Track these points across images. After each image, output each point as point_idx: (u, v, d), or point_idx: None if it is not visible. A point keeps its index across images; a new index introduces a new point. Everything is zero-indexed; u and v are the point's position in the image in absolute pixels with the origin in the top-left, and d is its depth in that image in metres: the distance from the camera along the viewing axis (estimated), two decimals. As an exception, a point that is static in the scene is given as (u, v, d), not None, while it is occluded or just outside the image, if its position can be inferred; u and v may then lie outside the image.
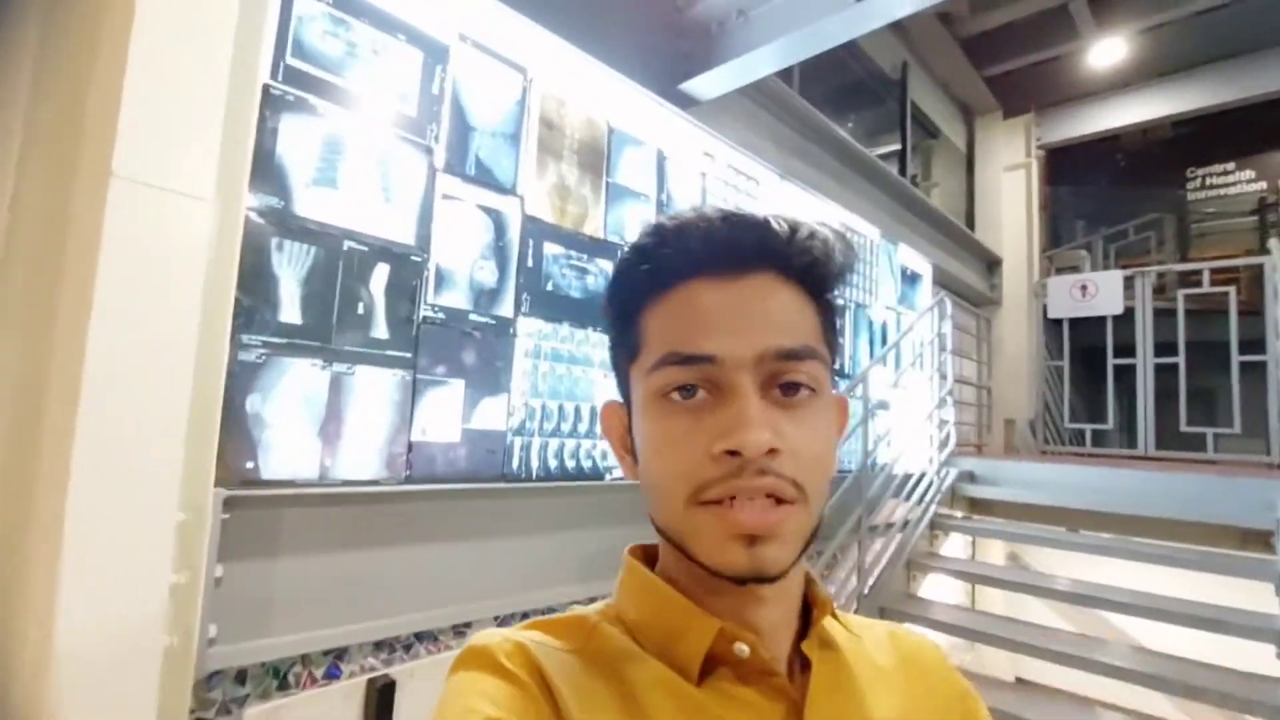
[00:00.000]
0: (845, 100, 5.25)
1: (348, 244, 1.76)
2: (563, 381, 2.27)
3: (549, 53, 2.30)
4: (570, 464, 2.29)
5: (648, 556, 0.49)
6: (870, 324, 4.27)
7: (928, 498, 4.11)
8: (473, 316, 2.04)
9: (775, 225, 0.44)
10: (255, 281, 1.59)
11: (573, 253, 2.33)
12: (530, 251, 2.20)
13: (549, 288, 2.25)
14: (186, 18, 1.44)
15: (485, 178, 2.09)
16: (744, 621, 0.43)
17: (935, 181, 6.44)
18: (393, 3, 1.88)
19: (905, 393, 4.45)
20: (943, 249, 5.53)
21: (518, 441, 2.14)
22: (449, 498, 1.95)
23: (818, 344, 0.45)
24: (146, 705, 1.36)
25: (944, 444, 4.73)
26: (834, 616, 0.48)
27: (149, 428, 1.34)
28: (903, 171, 5.29)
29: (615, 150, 2.52)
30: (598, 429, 2.34)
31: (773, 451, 0.40)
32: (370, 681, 1.72)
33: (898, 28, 5.28)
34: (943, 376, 4.81)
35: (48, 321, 1.31)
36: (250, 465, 1.57)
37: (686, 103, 2.87)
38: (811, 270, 0.44)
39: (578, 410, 2.32)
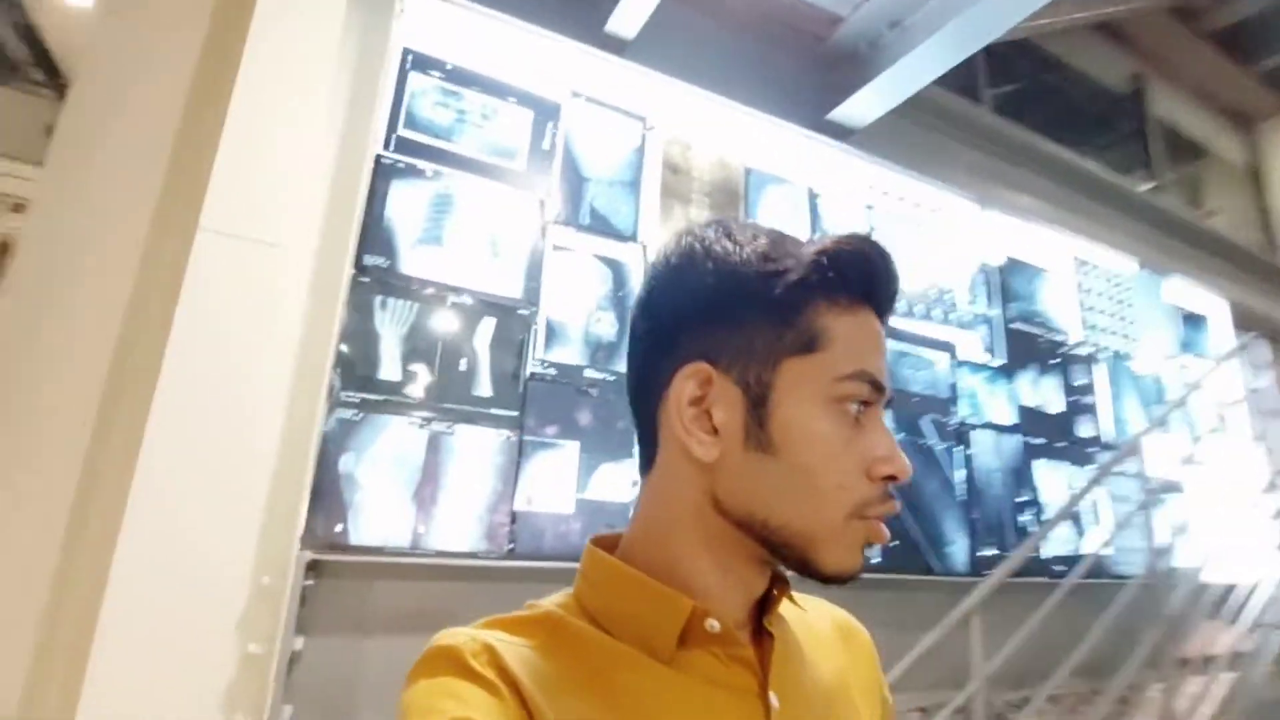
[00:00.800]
0: (1066, 128, 4.43)
1: (451, 299, 1.70)
2: (698, 446, 1.94)
3: (672, 98, 2.18)
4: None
5: (607, 547, 0.50)
6: (1136, 379, 3.25)
7: (1270, 619, 2.84)
8: (589, 372, 1.84)
9: (894, 276, 0.48)
10: (356, 337, 1.58)
11: (705, 300, 2.06)
12: (654, 301, 1.98)
13: (677, 339, 1.99)
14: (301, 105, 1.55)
15: (601, 227, 1.96)
16: (725, 602, 0.45)
17: (1213, 209, 5.07)
18: (504, 70, 1.92)
19: (1203, 470, 3.25)
20: (1240, 283, 4.20)
21: (643, 516, 1.83)
22: (557, 579, 1.68)
23: None
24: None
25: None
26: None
27: (225, 481, 1.31)
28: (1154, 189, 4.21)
29: (754, 190, 2.27)
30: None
31: None
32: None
33: (1121, 36, 4.43)
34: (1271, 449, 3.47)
35: (136, 356, 1.36)
36: (340, 529, 1.48)
37: (840, 133, 2.54)
38: (887, 315, 0.49)
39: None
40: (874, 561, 2.21)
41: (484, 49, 1.91)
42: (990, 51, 3.23)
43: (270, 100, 1.50)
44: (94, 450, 1.35)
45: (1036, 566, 2.58)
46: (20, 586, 1.25)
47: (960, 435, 2.52)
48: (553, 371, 1.80)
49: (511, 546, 1.64)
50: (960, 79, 3.51)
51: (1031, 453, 2.72)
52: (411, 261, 1.68)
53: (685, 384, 0.46)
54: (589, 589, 0.47)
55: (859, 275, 0.46)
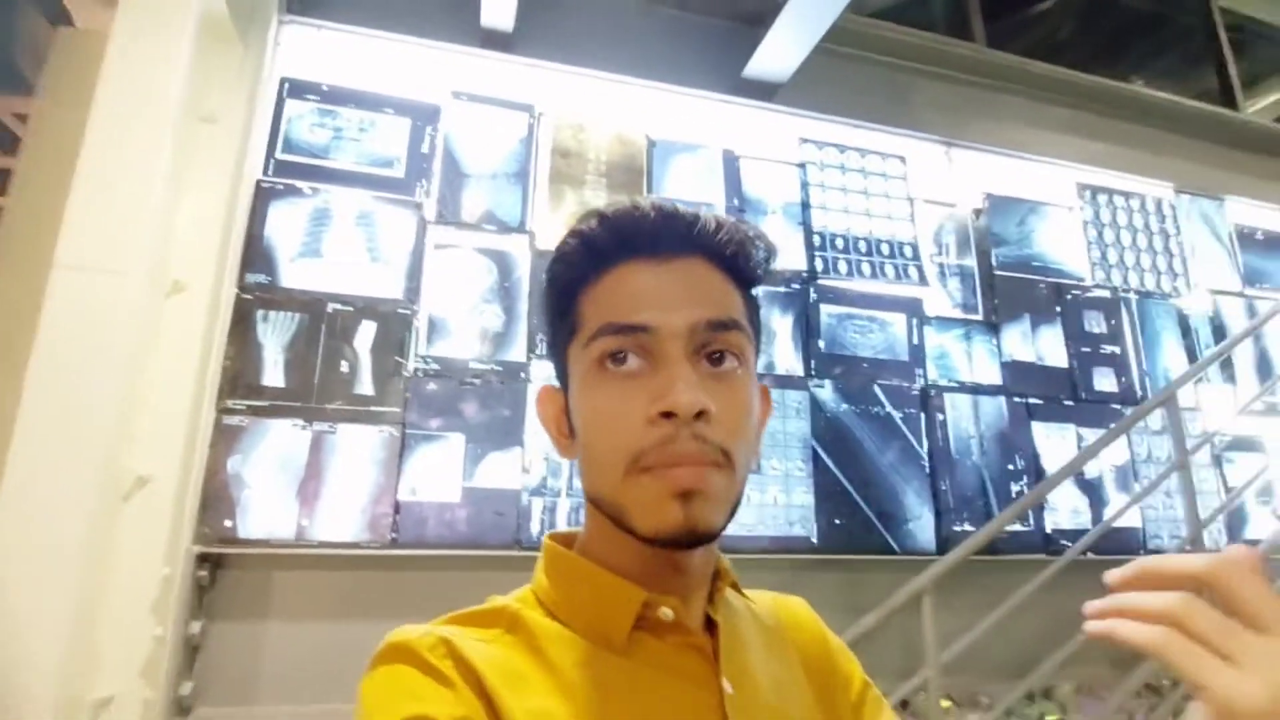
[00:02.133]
0: (1122, 47, 3.86)
1: (331, 306, 1.82)
2: (597, 430, 1.93)
3: (561, 84, 2.17)
4: (614, 529, 1.88)
5: (564, 542, 0.51)
6: (1183, 318, 2.81)
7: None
8: (474, 364, 1.89)
9: (703, 216, 0.47)
10: (241, 350, 1.73)
11: (604, 283, 2.04)
12: (546, 288, 1.99)
13: (572, 325, 1.99)
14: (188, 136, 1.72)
15: (485, 221, 2.00)
16: (667, 590, 0.45)
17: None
18: (382, 83, 2.01)
19: None
20: None
21: (537, 503, 1.85)
22: (445, 566, 1.76)
23: (742, 318, 0.47)
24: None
25: None
26: (733, 586, 0.53)
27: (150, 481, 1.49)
28: (1230, 103, 3.57)
29: (658, 163, 2.21)
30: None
31: (703, 414, 0.41)
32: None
33: None
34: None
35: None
36: (229, 524, 1.64)
37: (763, 91, 2.40)
38: (736, 258, 0.48)
39: (622, 463, 1.93)
40: (814, 541, 2.08)
41: (360, 66, 2.01)
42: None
43: (135, 139, 1.67)
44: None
45: (1031, 542, 2.32)
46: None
47: (924, 400, 2.31)
48: (436, 366, 1.86)
49: (394, 536, 1.73)
50: (950, 13, 3.20)
51: (1029, 414, 2.44)
52: (291, 275, 1.81)
53: (540, 406, 0.52)
54: (546, 582, 0.49)
55: (603, 242, 0.47)
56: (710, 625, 0.48)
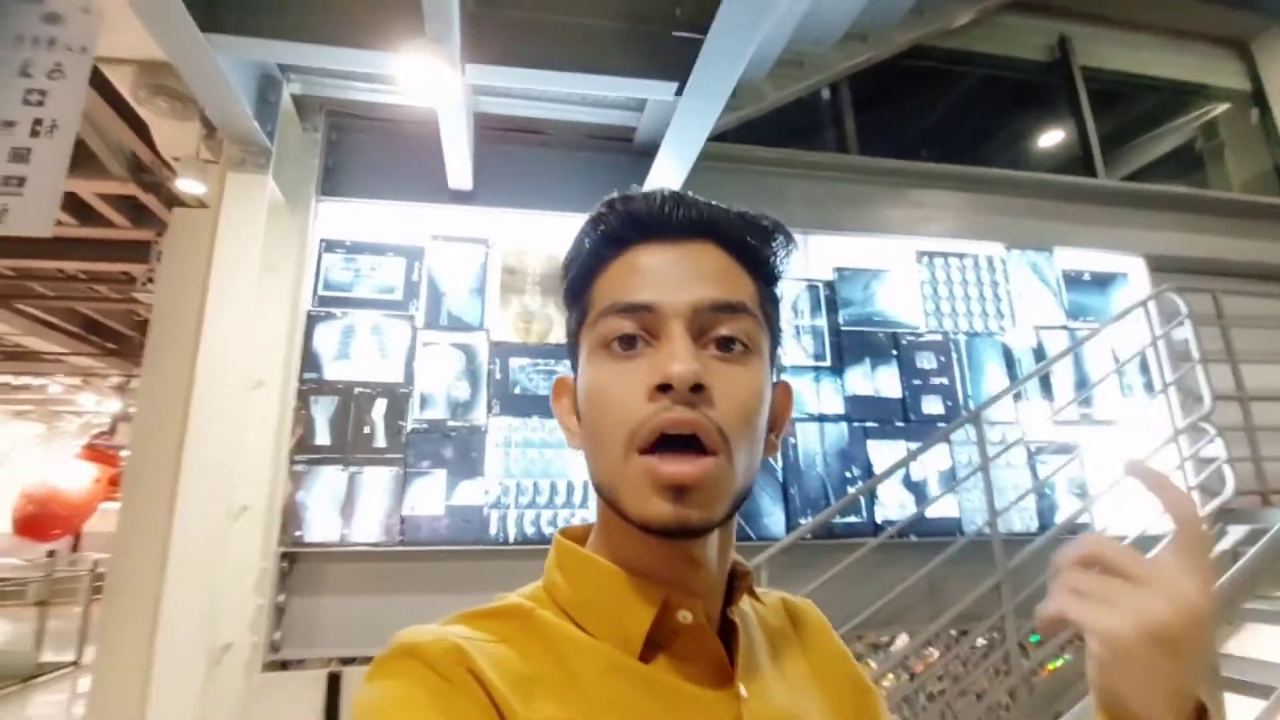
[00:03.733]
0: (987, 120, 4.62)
1: (356, 389, 2.81)
2: (535, 463, 2.88)
3: (508, 220, 3.14)
4: (547, 530, 2.82)
5: (577, 539, 0.50)
6: (1007, 351, 3.60)
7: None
8: (450, 423, 2.86)
9: (716, 205, 0.47)
10: (302, 421, 2.73)
11: (539, 360, 2.99)
12: (498, 368, 2.95)
13: (516, 391, 2.95)
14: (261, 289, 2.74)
15: (456, 324, 2.98)
16: (684, 587, 0.44)
17: (1227, 161, 4.88)
18: (383, 234, 3.01)
19: (1119, 428, 3.51)
20: (1159, 230, 4.18)
21: (494, 514, 2.81)
22: (434, 558, 2.72)
23: (754, 307, 0.46)
24: (236, 673, 2.43)
25: (1212, 492, 3.50)
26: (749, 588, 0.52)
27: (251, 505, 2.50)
28: (1088, 163, 4.32)
29: (577, 271, 3.16)
30: (574, 499, 2.86)
31: (700, 388, 0.41)
32: (330, 674, 2.51)
33: (1044, 10, 4.58)
34: (1196, 398, 3.62)
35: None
36: (299, 534, 2.64)
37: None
38: (751, 246, 0.48)
39: (553, 485, 2.87)
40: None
41: (370, 224, 3.02)
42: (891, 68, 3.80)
43: (235, 286, 2.69)
44: (180, 493, 2.61)
45: (864, 529, 3.15)
46: (145, 569, 2.52)
47: (780, 428, 3.18)
48: (425, 425, 2.84)
49: (401, 538, 2.70)
50: (827, 114, 4.06)
51: (865, 434, 3.29)
52: (331, 371, 2.82)
53: (554, 396, 0.52)
54: (561, 581, 0.47)
55: (615, 226, 0.47)
56: (726, 626, 0.48)
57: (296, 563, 2.67)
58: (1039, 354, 3.65)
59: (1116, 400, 3.63)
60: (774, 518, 3.09)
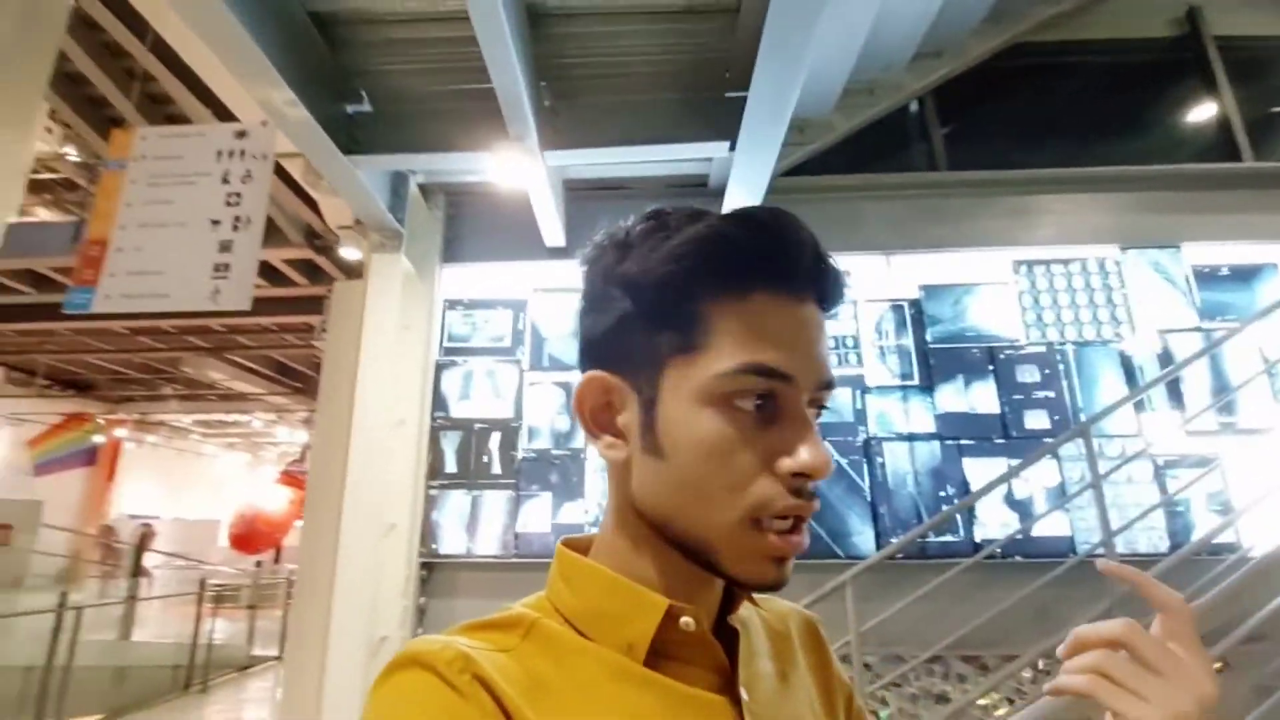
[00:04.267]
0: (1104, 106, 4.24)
1: (476, 425, 3.30)
2: (629, 485, 3.19)
3: (598, 269, 3.52)
4: (642, 546, 3.11)
5: (580, 550, 0.51)
6: (1125, 358, 3.37)
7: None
8: (554, 452, 3.26)
9: (822, 251, 0.45)
10: (434, 453, 3.26)
11: (629, 392, 3.31)
12: (594, 400, 3.31)
13: (610, 421, 3.28)
14: (400, 350, 3.32)
15: (556, 364, 3.39)
16: (689, 600, 0.45)
17: None
18: (495, 292, 3.50)
19: (1270, 436, 3.18)
20: None
21: (591, 530, 3.14)
22: (543, 569, 3.08)
23: None
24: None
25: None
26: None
27: (398, 525, 3.05)
28: (1228, 145, 3.90)
29: (662, 309, 3.46)
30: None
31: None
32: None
33: None
34: (1378, 400, 3.20)
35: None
36: (434, 547, 3.14)
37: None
38: (834, 304, 0.47)
39: (645, 505, 3.15)
40: (780, 550, 3.11)
41: (483, 283, 3.53)
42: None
43: (378, 343, 3.28)
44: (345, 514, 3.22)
45: (961, 549, 3.10)
46: (320, 578, 3.13)
47: (867, 449, 3.24)
48: (533, 455, 3.25)
49: (516, 551, 3.11)
50: (914, 130, 4.04)
51: (960, 452, 3.23)
52: (456, 410, 3.33)
53: (581, 392, 0.48)
54: (564, 589, 0.48)
55: (746, 258, 0.43)
56: (725, 630, 0.48)
57: (433, 571, 3.17)
58: (1165, 360, 3.37)
59: (1266, 406, 3.25)
60: (863, 536, 3.14)
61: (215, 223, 2.97)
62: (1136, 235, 3.60)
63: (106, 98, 3.93)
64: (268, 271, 5.52)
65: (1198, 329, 3.43)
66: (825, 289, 0.46)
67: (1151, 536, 3.13)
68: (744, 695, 0.45)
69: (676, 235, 0.44)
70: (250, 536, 9.67)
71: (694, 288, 0.44)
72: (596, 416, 0.48)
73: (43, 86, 2.56)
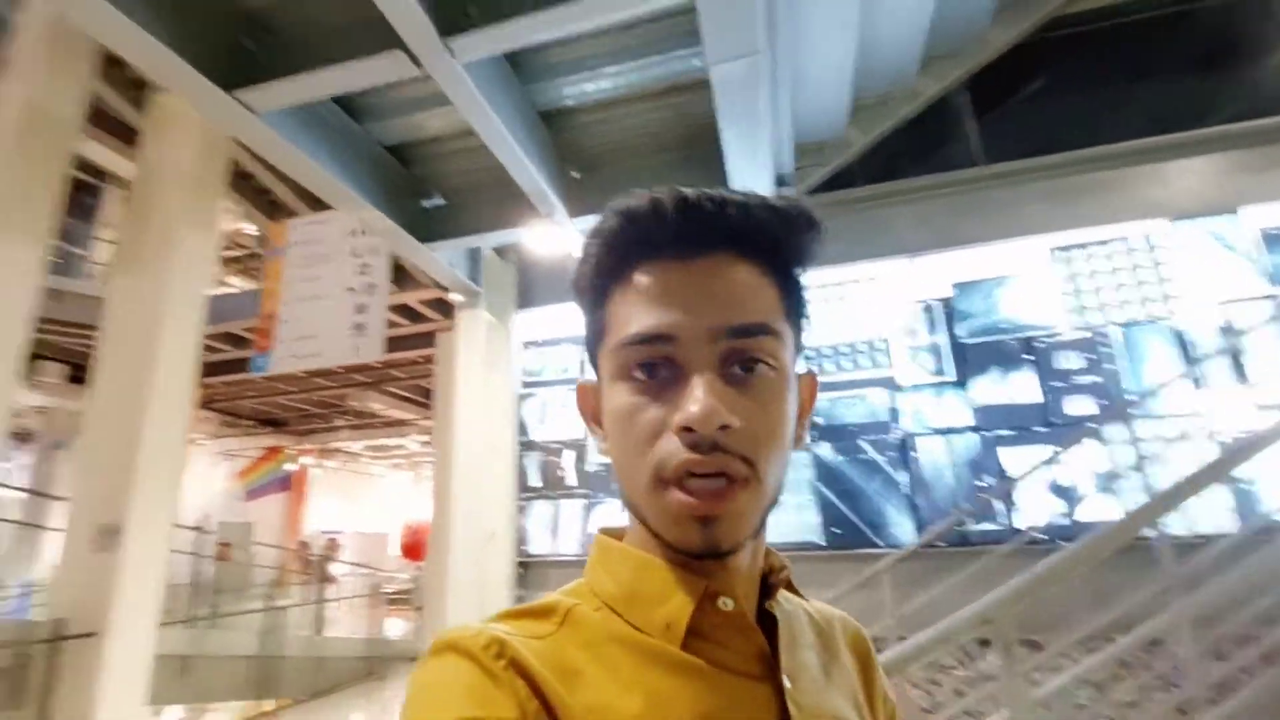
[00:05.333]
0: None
1: (553, 445, 3.91)
2: (683, 490, 3.65)
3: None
4: (697, 543, 3.55)
5: (616, 537, 0.50)
6: (1178, 335, 3.28)
7: None
8: (618, 463, 3.79)
9: (730, 205, 0.44)
10: (520, 469, 3.92)
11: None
12: (649, 417, 3.81)
13: (663, 434, 3.77)
14: (486, 380, 4.02)
15: (615, 387, 3.92)
16: (720, 580, 0.44)
17: None
18: (557, 328, 4.11)
19: None
20: None
21: (656, 530, 3.63)
22: (615, 564, 3.64)
23: (776, 321, 0.45)
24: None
25: None
26: (789, 586, 0.51)
27: (500, 533, 3.74)
28: None
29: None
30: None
31: (725, 428, 0.41)
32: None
33: None
34: None
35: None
36: (525, 548, 3.79)
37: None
38: (770, 247, 0.45)
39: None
40: (821, 544, 3.40)
41: (551, 322, 4.14)
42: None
43: (470, 381, 3.99)
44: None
45: (1003, 537, 3.20)
46: (442, 579, 3.87)
47: (902, 446, 3.43)
48: (601, 468, 3.80)
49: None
50: (952, 126, 4.10)
51: (998, 443, 3.33)
52: (535, 433, 3.97)
53: (578, 400, 0.52)
54: (601, 575, 0.48)
55: (623, 241, 0.45)
56: (767, 620, 0.47)
57: (528, 569, 3.81)
58: (1228, 334, 3.23)
59: (1350, 375, 3.03)
60: (902, 528, 3.34)
61: (350, 290, 3.83)
62: (1189, 205, 3.46)
63: (270, 188, 4.97)
64: (408, 312, 6.50)
65: (1269, 297, 3.25)
66: (718, 234, 0.44)
67: (1214, 516, 3.05)
68: (786, 683, 0.44)
69: (591, 241, 0.46)
70: (416, 545, 11.10)
71: (595, 281, 0.47)
72: (595, 417, 0.49)
73: (220, 194, 3.44)
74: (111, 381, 2.95)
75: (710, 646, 0.43)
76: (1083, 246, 3.54)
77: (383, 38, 2.06)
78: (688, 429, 0.40)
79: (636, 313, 0.44)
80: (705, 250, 0.44)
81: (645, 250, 0.44)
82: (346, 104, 2.79)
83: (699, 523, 0.41)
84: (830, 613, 0.56)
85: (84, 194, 6.33)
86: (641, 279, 0.44)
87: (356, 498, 15.16)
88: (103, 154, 4.47)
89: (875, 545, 3.36)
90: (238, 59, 2.25)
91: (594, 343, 0.48)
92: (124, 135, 4.02)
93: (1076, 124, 3.88)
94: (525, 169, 2.65)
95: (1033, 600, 2.64)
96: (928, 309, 3.63)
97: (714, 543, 0.41)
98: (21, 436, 7.82)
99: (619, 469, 0.45)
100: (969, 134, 4.00)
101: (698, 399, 0.41)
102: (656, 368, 0.43)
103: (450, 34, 2.05)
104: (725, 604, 0.43)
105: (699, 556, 0.42)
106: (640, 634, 0.43)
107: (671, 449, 0.41)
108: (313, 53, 2.22)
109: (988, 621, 1.67)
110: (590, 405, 0.50)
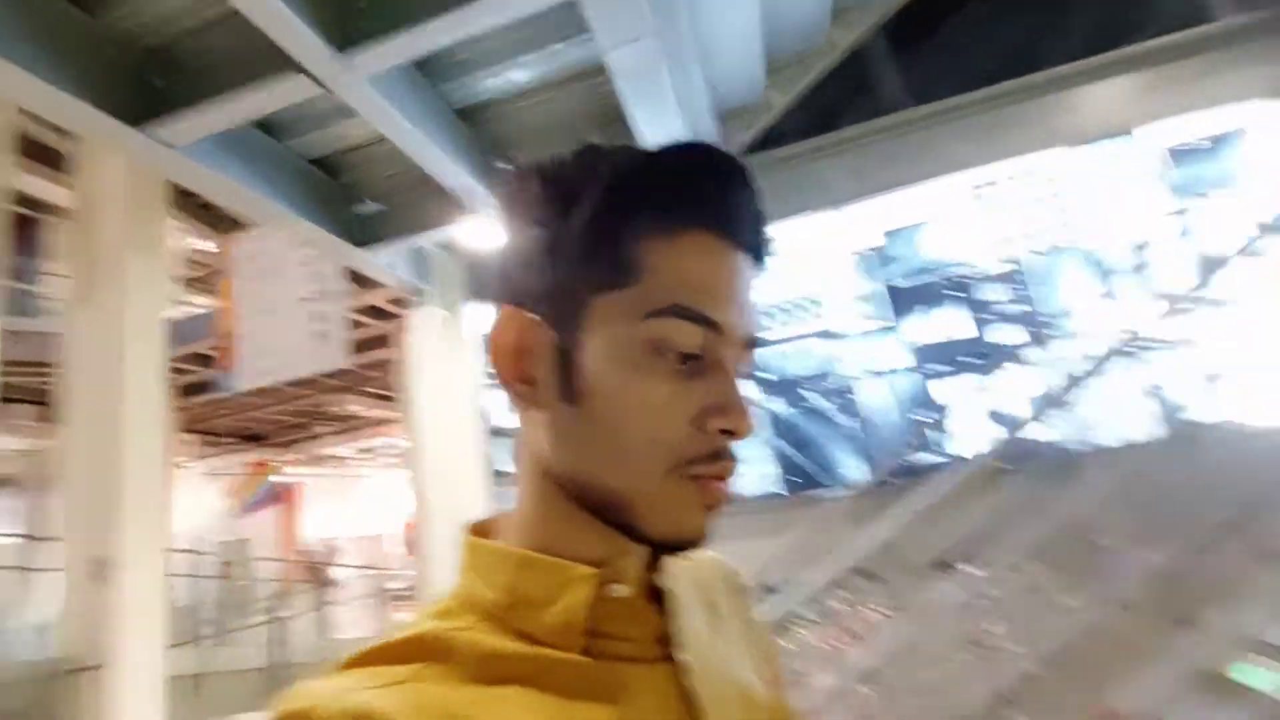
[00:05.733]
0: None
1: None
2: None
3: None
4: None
5: (484, 535, 0.46)
6: (1094, 259, 3.46)
7: None
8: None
9: (761, 201, 0.43)
10: (493, 458, 4.05)
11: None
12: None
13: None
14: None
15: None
16: (614, 567, 0.41)
17: None
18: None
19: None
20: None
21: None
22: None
23: None
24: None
25: None
26: None
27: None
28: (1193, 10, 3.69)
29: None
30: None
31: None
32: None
33: None
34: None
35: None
36: (506, 532, 3.96)
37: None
38: (764, 260, 0.44)
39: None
40: (784, 494, 3.59)
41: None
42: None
43: (427, 369, 4.09)
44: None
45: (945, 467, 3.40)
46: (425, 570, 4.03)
47: (842, 392, 3.61)
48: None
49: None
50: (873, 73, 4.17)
51: (928, 378, 3.52)
52: (505, 420, 4.09)
53: (499, 333, 0.42)
54: (475, 582, 0.43)
55: (685, 192, 0.40)
56: (656, 593, 0.45)
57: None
58: (1139, 250, 3.41)
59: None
60: (851, 467, 3.54)
61: (303, 300, 3.88)
62: (1084, 134, 3.59)
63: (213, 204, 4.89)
64: (377, 312, 6.52)
65: (1172, 214, 3.42)
66: (760, 241, 0.43)
67: (1145, 423, 3.26)
68: (684, 658, 0.42)
69: (609, 162, 0.41)
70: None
71: (626, 218, 0.40)
72: (520, 362, 0.42)
73: (164, 215, 3.41)
74: (82, 415, 3.01)
75: (608, 640, 0.41)
76: (992, 184, 3.67)
77: (282, 62, 2.11)
78: (730, 432, 0.39)
79: (692, 284, 0.39)
80: (741, 240, 0.41)
81: (706, 216, 0.40)
82: (264, 125, 2.83)
83: (706, 511, 0.40)
84: (701, 559, 0.53)
85: (26, 228, 6.23)
86: (697, 246, 0.40)
87: (352, 501, 15.29)
88: (39, 185, 4.42)
89: (829, 486, 3.55)
90: (147, 97, 2.29)
91: (593, 282, 0.40)
92: (57, 164, 3.98)
93: (994, 58, 3.98)
94: (448, 168, 2.72)
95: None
96: (862, 258, 3.78)
97: (710, 532, 0.41)
98: (3, 481, 7.82)
99: (611, 449, 0.40)
100: (890, 79, 4.08)
101: (741, 405, 0.39)
102: (699, 357, 0.39)
103: (347, 50, 2.10)
104: (619, 591, 0.41)
105: (678, 548, 0.41)
106: (531, 647, 0.39)
107: (699, 449, 0.39)
108: (219, 82, 2.25)
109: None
110: (523, 344, 0.41)
